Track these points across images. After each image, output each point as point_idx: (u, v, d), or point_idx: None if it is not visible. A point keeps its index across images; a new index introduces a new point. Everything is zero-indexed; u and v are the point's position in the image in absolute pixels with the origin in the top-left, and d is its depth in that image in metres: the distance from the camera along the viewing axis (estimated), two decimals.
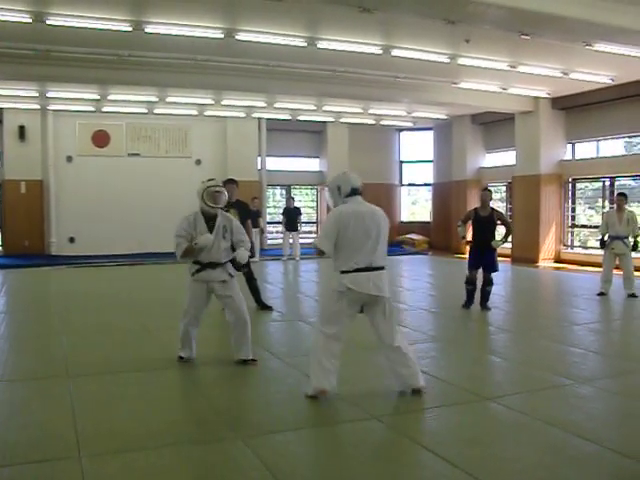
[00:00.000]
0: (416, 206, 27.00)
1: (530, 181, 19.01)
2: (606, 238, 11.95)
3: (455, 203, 22.15)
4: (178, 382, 6.19)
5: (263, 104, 18.95)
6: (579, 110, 18.44)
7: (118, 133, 20.71)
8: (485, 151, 22.60)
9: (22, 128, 19.37)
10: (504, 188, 21.83)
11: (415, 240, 23.42)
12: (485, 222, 10.18)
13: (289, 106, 19.58)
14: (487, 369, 6.87)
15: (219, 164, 21.27)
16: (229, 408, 5.37)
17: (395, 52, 12.92)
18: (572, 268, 17.41)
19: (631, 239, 11.78)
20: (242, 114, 20.76)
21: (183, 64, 13.87)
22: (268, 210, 22.53)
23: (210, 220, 6.76)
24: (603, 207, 17.85)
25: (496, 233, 10.38)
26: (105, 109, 19.14)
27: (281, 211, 20.77)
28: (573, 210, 19.25)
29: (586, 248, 18.94)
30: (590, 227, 18.89)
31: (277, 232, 22.51)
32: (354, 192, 5.57)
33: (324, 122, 23.00)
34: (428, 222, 24.77)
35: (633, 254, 11.95)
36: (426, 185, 25.42)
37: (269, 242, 22.24)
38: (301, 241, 20.01)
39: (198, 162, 21.59)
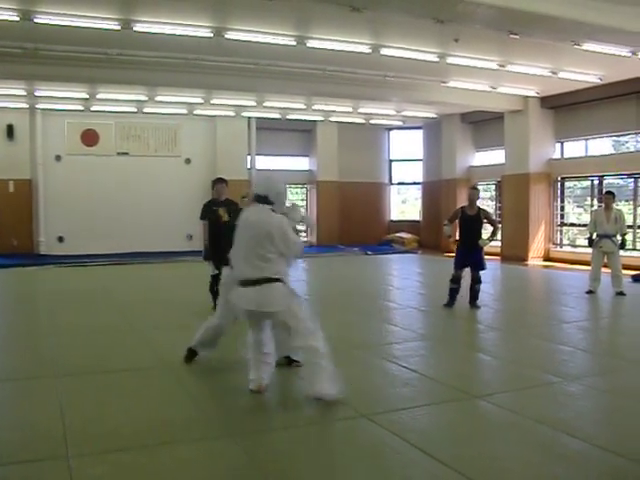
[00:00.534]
0: (406, 205, 27.04)
1: (519, 180, 19.07)
2: (594, 237, 12.00)
3: (445, 202, 22.18)
4: (166, 381, 6.17)
5: (253, 103, 18.92)
6: (568, 109, 18.51)
7: (107, 132, 20.63)
8: (474, 150, 22.65)
9: (10, 127, 19.26)
10: (494, 187, 21.90)
11: (405, 239, 23.44)
12: (472, 221, 10.19)
13: (279, 105, 19.56)
14: (476, 367, 6.89)
15: (209, 163, 21.25)
16: (217, 408, 5.37)
17: (384, 51, 12.93)
18: (561, 266, 17.48)
19: (619, 237, 11.83)
20: (232, 113, 20.73)
21: (172, 63, 13.83)
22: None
23: None
24: (591, 206, 17.91)
25: (483, 232, 10.41)
26: (94, 108, 19.06)
27: None
28: (562, 209, 19.33)
29: (575, 246, 19.02)
30: (579, 225, 18.96)
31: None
32: (257, 199, 5.43)
33: (314, 121, 22.99)
34: (418, 221, 24.81)
35: (621, 252, 12.01)
36: (416, 184, 25.45)
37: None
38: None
39: (188, 161, 21.55)
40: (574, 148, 19.08)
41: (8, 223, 19.13)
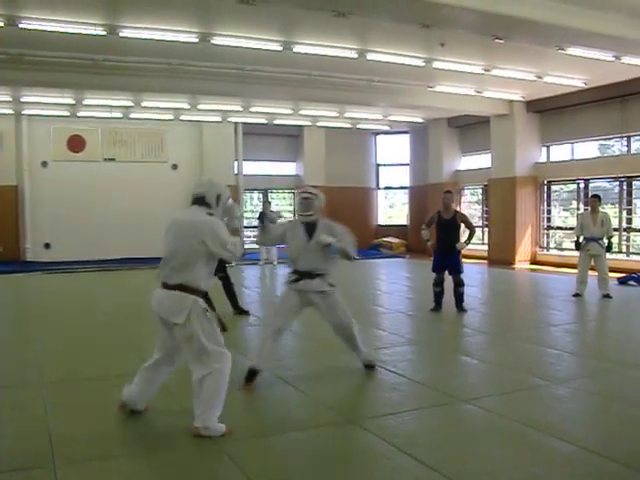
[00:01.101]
0: (393, 209, 27.08)
1: (506, 183, 19.15)
2: (581, 240, 12.05)
3: (432, 206, 22.07)
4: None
5: (239, 108, 18.90)
6: (553, 113, 18.62)
7: (93, 138, 20.56)
8: (461, 154, 22.73)
9: None
10: (480, 191, 21.97)
11: (392, 243, 23.47)
12: (448, 225, 10.26)
13: (265, 110, 19.54)
14: (464, 371, 6.89)
15: (195, 169, 21.17)
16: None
17: (370, 56, 12.95)
18: (548, 270, 17.55)
19: (605, 240, 11.90)
20: (218, 118, 20.69)
21: (158, 68, 13.80)
22: (245, 214, 22.46)
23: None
24: (578, 209, 18.02)
25: (460, 235, 10.48)
26: (80, 114, 18.97)
27: (257, 215, 20.65)
28: (548, 212, 19.42)
29: (561, 250, 19.11)
30: (565, 229, 19.06)
31: (254, 236, 22.40)
32: (193, 201, 5.05)
33: (300, 126, 23.02)
34: (405, 225, 24.84)
35: (608, 255, 12.07)
36: (403, 188, 25.51)
37: (246, 246, 22.13)
38: (278, 245, 19.97)
39: (174, 167, 21.51)
40: (560, 152, 19.19)
41: None
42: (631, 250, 17.08)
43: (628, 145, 17.16)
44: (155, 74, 14.20)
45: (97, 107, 18.35)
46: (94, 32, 11.07)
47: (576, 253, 12.52)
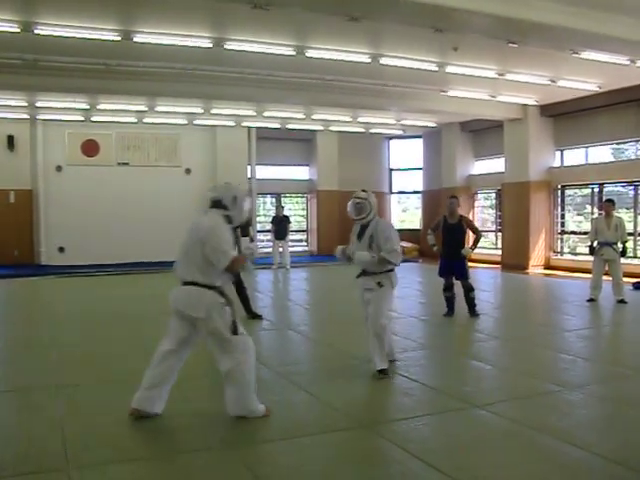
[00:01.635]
0: (406, 214, 27.04)
1: (519, 188, 19.07)
2: (595, 244, 11.99)
3: (445, 210, 22.12)
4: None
5: (252, 113, 18.95)
6: (567, 117, 18.53)
7: (107, 142, 20.67)
8: (474, 158, 22.65)
9: (11, 138, 19.30)
10: (494, 195, 21.90)
11: (405, 248, 23.40)
12: (453, 229, 10.28)
13: (278, 115, 19.57)
14: (476, 376, 6.87)
15: (209, 173, 21.25)
16: (218, 417, 5.34)
17: (383, 60, 12.95)
18: (562, 274, 17.46)
19: (620, 245, 11.83)
20: (232, 123, 20.74)
21: (172, 73, 13.85)
22: (258, 219, 22.52)
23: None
24: (592, 213, 17.90)
25: (466, 240, 10.50)
26: (94, 118, 19.08)
27: (270, 220, 20.72)
28: (562, 217, 19.32)
29: (575, 254, 18.99)
30: (579, 233, 18.96)
31: (267, 241, 22.46)
32: (210, 204, 5.33)
33: (314, 130, 23.02)
34: (418, 230, 24.77)
35: (622, 260, 11.99)
36: (416, 193, 25.46)
37: (259, 251, 22.21)
38: (291, 250, 20.04)
39: (188, 171, 21.58)
40: (574, 156, 19.09)
41: (9, 233, 19.14)
42: None
43: None
44: (169, 79, 14.27)
45: (111, 112, 18.45)
46: (108, 37, 11.15)
47: (590, 258, 12.45)
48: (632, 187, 17.21)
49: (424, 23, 10.40)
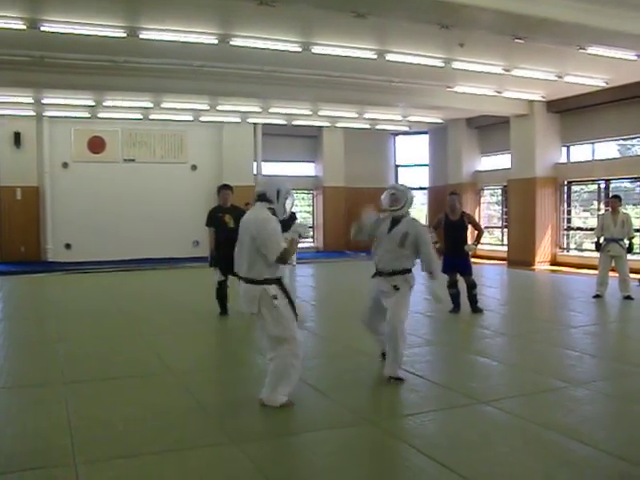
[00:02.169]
0: (412, 210, 26.94)
1: (526, 184, 19.04)
2: (601, 241, 11.95)
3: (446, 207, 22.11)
4: (173, 387, 6.18)
5: (258, 109, 18.96)
6: (574, 113, 18.48)
7: (114, 139, 20.72)
8: (480, 154, 22.63)
9: (18, 135, 19.37)
10: (500, 191, 21.86)
11: None
12: (455, 226, 10.27)
13: (284, 111, 19.60)
14: (482, 373, 6.87)
15: (215, 169, 21.30)
16: (224, 413, 5.37)
17: (390, 57, 12.94)
18: (568, 271, 17.43)
19: (626, 241, 11.80)
20: (237, 119, 20.77)
21: (178, 70, 13.88)
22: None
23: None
24: (598, 210, 17.87)
25: (468, 236, 10.52)
26: (101, 115, 19.13)
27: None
28: (569, 213, 19.28)
29: (582, 251, 18.98)
30: (585, 230, 18.92)
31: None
32: (256, 197, 5.53)
33: (319, 127, 23.05)
34: (424, 226, 24.71)
35: (628, 256, 11.96)
36: (422, 189, 25.42)
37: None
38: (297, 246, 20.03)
39: (194, 167, 21.62)
40: (580, 152, 19.07)
41: (16, 230, 19.24)
42: None
43: None
44: (175, 75, 14.29)
45: (117, 108, 18.49)
46: (114, 34, 11.17)
47: (596, 254, 12.41)
48: (639, 183, 17.15)
49: (430, 19, 10.40)
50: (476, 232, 10.47)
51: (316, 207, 24.39)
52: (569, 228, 19.36)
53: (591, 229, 16.22)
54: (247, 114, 20.21)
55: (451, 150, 22.77)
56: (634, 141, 17.88)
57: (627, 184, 17.92)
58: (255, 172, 21.97)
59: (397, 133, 25.17)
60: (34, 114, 18.97)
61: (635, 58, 12.59)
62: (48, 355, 7.69)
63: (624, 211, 12.28)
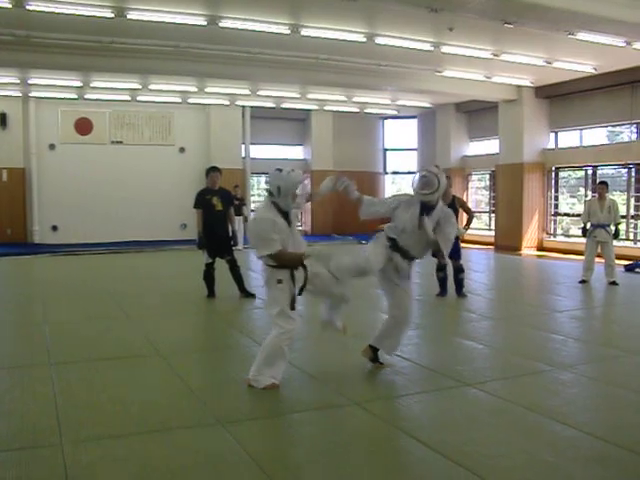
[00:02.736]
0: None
1: (513, 170, 19.09)
2: (588, 226, 12.02)
3: None
4: (160, 369, 6.18)
5: (247, 92, 18.87)
6: (562, 99, 18.52)
7: (101, 120, 20.58)
8: (469, 139, 22.67)
9: (3, 115, 19.23)
10: (488, 176, 21.91)
11: None
12: None
13: (273, 94, 19.51)
14: (468, 356, 6.91)
15: (203, 152, 21.21)
16: (210, 395, 5.38)
17: (379, 40, 12.91)
18: (554, 256, 17.53)
19: (612, 227, 11.87)
20: (226, 102, 20.67)
21: (166, 51, 13.78)
22: (252, 198, 22.48)
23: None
24: (585, 195, 17.96)
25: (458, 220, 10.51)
26: (88, 96, 19.01)
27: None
28: (556, 198, 19.37)
29: (568, 236, 19.09)
30: (572, 215, 19.02)
31: None
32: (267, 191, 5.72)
33: (308, 110, 22.99)
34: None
35: (615, 242, 12.04)
36: (410, 173, 25.37)
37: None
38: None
39: (182, 150, 21.53)
40: (568, 138, 19.12)
41: (2, 212, 19.16)
42: (638, 237, 17.04)
43: (638, 132, 17.07)
44: (163, 57, 14.19)
45: (105, 90, 18.36)
46: (102, 14, 11.07)
47: (583, 240, 12.46)
48: (626, 170, 17.24)
49: (420, 3, 10.36)
50: (466, 216, 10.48)
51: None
52: (556, 214, 19.45)
53: (578, 215, 16.30)
54: (235, 96, 20.11)
55: (440, 135, 22.78)
56: (622, 128, 17.94)
57: (614, 170, 17.99)
58: (243, 155, 21.90)
59: (386, 117, 25.15)
60: (20, 95, 18.81)
61: (624, 45, 12.63)
62: (34, 336, 7.66)
63: (611, 197, 12.33)
